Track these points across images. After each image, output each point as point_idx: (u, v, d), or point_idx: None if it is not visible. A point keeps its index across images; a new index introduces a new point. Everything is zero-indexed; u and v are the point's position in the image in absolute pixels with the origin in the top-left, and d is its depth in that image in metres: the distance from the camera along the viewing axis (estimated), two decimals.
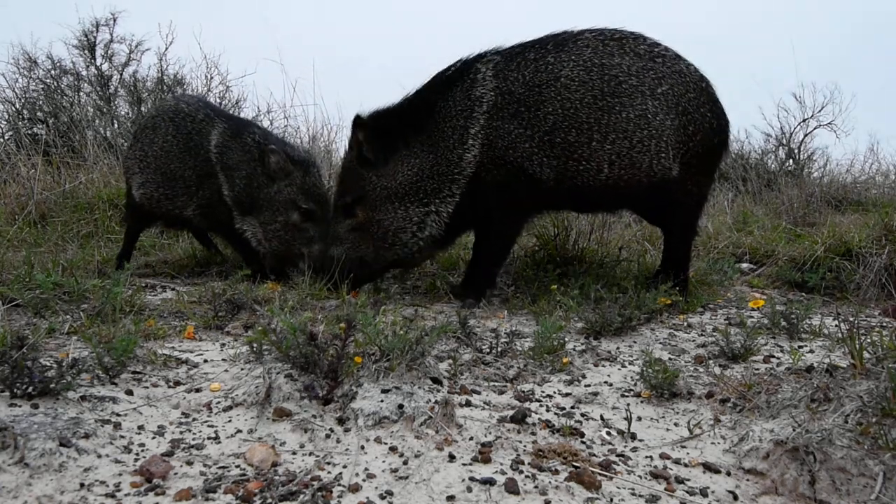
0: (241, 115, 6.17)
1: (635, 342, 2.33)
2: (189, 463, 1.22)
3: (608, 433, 1.48)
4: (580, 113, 2.70)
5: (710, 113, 2.87)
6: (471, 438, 1.39)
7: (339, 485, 1.16)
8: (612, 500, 1.16)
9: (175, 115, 3.55)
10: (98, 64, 8.00)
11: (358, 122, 2.86)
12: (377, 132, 2.86)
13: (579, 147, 2.71)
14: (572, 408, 1.63)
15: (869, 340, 1.64)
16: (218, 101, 7.10)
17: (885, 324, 2.70)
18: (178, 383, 1.68)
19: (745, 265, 3.96)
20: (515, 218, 2.90)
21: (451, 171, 2.79)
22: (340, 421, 1.42)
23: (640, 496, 1.18)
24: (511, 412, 1.51)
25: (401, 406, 1.44)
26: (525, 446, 1.36)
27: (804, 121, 9.19)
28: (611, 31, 2.88)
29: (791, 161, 9.07)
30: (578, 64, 2.75)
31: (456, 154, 2.77)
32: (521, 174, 2.75)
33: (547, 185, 2.76)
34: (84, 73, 7.95)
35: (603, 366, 2.03)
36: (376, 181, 2.87)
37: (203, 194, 3.46)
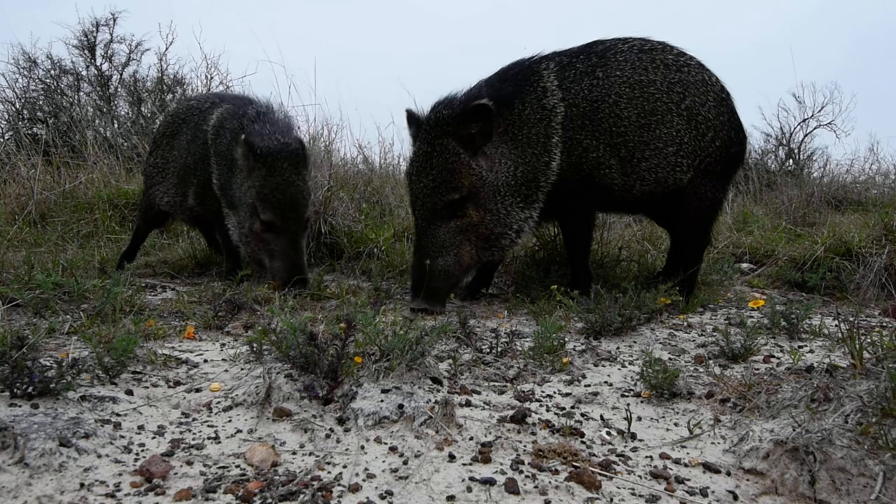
0: None
1: (635, 342, 2.33)
2: (189, 463, 1.22)
3: (608, 433, 1.47)
4: (630, 129, 2.80)
5: (728, 123, 2.96)
6: (471, 438, 1.38)
7: (339, 485, 1.16)
8: (612, 500, 1.16)
9: (188, 113, 3.50)
10: (98, 64, 8.02)
11: (484, 109, 2.59)
12: (491, 123, 2.64)
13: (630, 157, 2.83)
14: (572, 408, 1.63)
15: (869, 340, 1.64)
16: None
17: (885, 324, 2.70)
18: (178, 383, 1.68)
19: (745, 265, 3.96)
20: (591, 217, 3.02)
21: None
22: (340, 421, 1.42)
23: (640, 496, 1.18)
24: (511, 412, 1.51)
25: (401, 406, 1.44)
26: (525, 446, 1.36)
27: (804, 121, 9.23)
28: (639, 42, 2.93)
29: (791, 161, 9.09)
30: (623, 80, 2.81)
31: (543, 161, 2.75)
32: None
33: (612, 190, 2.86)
34: (84, 73, 7.97)
35: (603, 366, 2.02)
36: (486, 176, 2.67)
37: (197, 182, 3.33)
